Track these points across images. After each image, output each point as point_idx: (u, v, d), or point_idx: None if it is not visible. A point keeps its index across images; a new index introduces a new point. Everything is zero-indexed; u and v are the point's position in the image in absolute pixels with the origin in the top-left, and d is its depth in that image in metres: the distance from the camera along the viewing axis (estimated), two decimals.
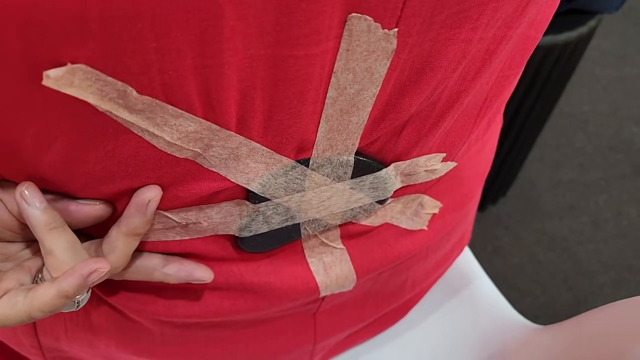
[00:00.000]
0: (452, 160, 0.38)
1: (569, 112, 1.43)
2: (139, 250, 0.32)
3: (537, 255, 1.19)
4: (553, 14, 0.34)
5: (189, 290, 0.36)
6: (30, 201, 0.27)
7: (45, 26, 0.19)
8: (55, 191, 0.28)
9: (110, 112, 0.22)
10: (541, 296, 1.13)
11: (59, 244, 0.27)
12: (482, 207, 1.24)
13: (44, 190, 0.28)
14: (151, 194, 0.27)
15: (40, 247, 0.28)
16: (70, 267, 0.27)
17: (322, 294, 0.40)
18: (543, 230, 1.23)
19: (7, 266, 0.30)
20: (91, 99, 0.22)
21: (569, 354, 0.42)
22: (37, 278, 0.29)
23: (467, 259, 0.62)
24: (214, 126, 0.25)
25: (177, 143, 0.25)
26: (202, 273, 0.33)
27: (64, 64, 0.20)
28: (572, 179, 1.32)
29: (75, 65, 0.20)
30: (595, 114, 1.44)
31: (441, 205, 0.42)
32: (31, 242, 0.30)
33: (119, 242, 0.29)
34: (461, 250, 0.55)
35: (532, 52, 0.34)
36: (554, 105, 1.04)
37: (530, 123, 1.02)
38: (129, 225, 0.28)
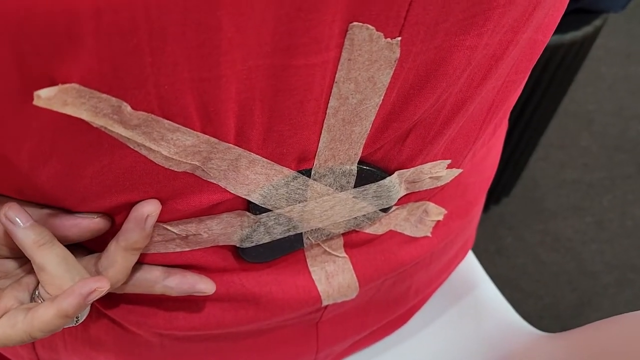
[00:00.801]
0: (458, 167, 0.37)
1: (573, 112, 1.42)
2: (139, 263, 0.32)
3: (540, 256, 1.18)
4: (560, 17, 0.33)
5: (189, 302, 0.35)
6: (15, 221, 0.26)
7: (37, 42, 0.18)
8: (52, 205, 0.27)
9: (105, 128, 0.22)
10: (545, 297, 1.12)
11: (50, 260, 0.27)
12: (485, 207, 1.23)
13: (42, 205, 0.27)
14: (150, 209, 0.27)
15: (32, 264, 0.27)
16: (70, 287, 0.27)
17: (325, 304, 0.39)
18: (547, 231, 1.22)
19: (5, 284, 0.29)
20: (85, 116, 0.21)
21: None
22: (34, 295, 0.29)
23: (470, 263, 0.62)
24: (212, 139, 0.25)
25: (174, 157, 0.25)
26: (204, 285, 0.32)
27: (58, 81, 0.20)
28: (576, 179, 1.31)
29: (67, 85, 0.20)
30: (600, 113, 1.43)
31: (446, 212, 0.42)
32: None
33: (118, 257, 0.28)
34: (464, 255, 0.55)
35: (539, 56, 0.34)
36: (559, 105, 1.03)
37: (535, 123, 1.01)
38: (127, 239, 0.28)
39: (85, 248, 0.31)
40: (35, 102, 0.20)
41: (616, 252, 1.19)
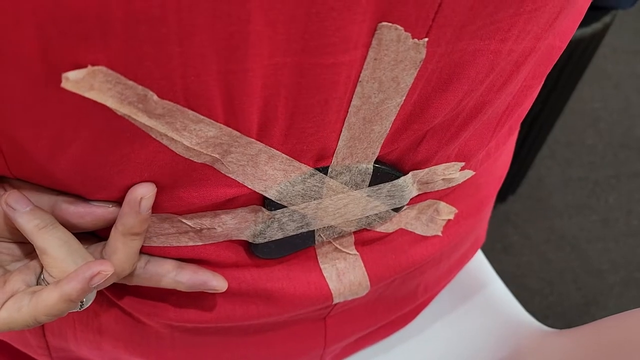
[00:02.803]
0: (470, 169, 0.37)
1: (580, 109, 1.42)
2: (151, 256, 0.32)
3: (546, 254, 1.18)
4: (579, 23, 0.33)
5: (201, 296, 0.35)
6: (16, 206, 0.26)
7: (66, 27, 0.18)
8: (68, 192, 0.27)
9: (129, 116, 0.22)
10: (550, 295, 1.12)
11: (51, 242, 0.27)
12: None
13: (57, 191, 0.27)
14: (143, 191, 0.26)
15: (35, 248, 0.27)
16: (73, 271, 0.27)
17: (336, 301, 0.39)
18: (552, 229, 1.22)
19: (16, 266, 0.30)
20: (110, 103, 0.21)
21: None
22: (39, 279, 0.29)
23: (479, 261, 0.62)
24: (235, 132, 0.25)
25: (195, 148, 0.25)
26: (216, 282, 0.32)
27: (84, 66, 0.19)
28: (582, 177, 1.31)
29: (95, 68, 0.20)
30: (606, 111, 1.43)
31: (457, 211, 0.41)
32: None
33: (118, 243, 0.28)
34: (474, 253, 0.55)
35: (555, 61, 0.34)
36: (566, 103, 1.02)
37: (542, 120, 1.01)
38: (124, 224, 0.27)
39: (97, 237, 0.31)
40: (63, 84, 0.20)
41: (622, 250, 1.19)
